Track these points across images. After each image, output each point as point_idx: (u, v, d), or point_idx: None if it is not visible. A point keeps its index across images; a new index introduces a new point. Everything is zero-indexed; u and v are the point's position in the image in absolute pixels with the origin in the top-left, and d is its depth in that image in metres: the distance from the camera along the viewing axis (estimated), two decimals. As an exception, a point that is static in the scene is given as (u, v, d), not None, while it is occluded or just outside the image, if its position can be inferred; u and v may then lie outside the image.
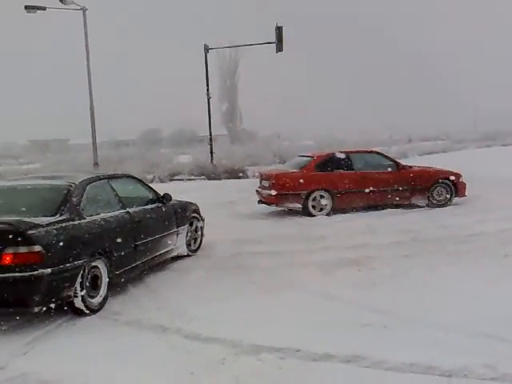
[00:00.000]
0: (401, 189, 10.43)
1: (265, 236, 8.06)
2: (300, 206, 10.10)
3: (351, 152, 11.00)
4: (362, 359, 3.57)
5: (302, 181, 10.07)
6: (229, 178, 20.41)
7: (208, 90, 22.94)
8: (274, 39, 20.89)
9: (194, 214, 7.33)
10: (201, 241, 7.38)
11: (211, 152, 22.74)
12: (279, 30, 20.82)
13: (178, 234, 6.67)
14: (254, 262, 6.48)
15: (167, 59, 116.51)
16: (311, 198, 10.05)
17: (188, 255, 6.94)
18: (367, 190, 10.27)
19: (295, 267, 6.14)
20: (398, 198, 10.46)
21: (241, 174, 21.08)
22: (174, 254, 6.66)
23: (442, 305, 4.61)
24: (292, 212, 10.59)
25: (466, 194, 10.72)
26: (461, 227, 8.15)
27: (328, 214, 10.00)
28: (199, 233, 7.37)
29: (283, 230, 8.61)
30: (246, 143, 32.45)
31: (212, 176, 20.93)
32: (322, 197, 10.10)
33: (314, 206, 10.07)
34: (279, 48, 21.05)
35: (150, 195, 6.54)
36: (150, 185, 7.08)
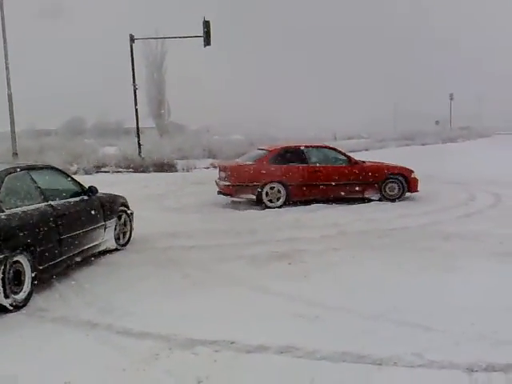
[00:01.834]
0: (353, 183, 10.67)
1: (196, 230, 7.99)
2: (254, 197, 10.31)
3: (305, 146, 11.17)
4: (296, 349, 3.63)
5: (256, 173, 10.31)
6: (158, 171, 20.05)
7: (134, 80, 22.39)
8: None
9: (123, 207, 7.12)
10: (130, 234, 7.19)
11: (139, 144, 22.23)
12: (207, 23, 20.74)
13: (105, 228, 6.46)
14: (185, 256, 6.41)
15: (93, 48, 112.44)
16: (265, 189, 10.24)
17: (117, 249, 6.74)
18: (320, 183, 10.51)
19: (227, 261, 6.13)
20: (350, 192, 10.67)
21: (170, 167, 20.76)
22: (102, 248, 6.44)
23: (370, 296, 4.77)
24: (223, 205, 10.62)
25: (419, 189, 10.98)
26: (384, 221, 8.48)
27: (281, 206, 10.19)
28: (128, 226, 7.17)
29: (214, 224, 8.57)
30: (175, 136, 31.96)
31: (140, 169, 20.47)
32: (275, 188, 10.29)
33: (268, 198, 10.25)
34: (207, 42, 20.97)
35: (75, 187, 6.27)
36: (74, 177, 6.79)
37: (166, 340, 3.84)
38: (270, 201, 10.28)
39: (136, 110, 22.69)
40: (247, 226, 8.23)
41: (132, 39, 22.17)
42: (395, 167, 11.21)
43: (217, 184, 11.02)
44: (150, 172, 19.96)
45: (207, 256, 6.37)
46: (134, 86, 22.41)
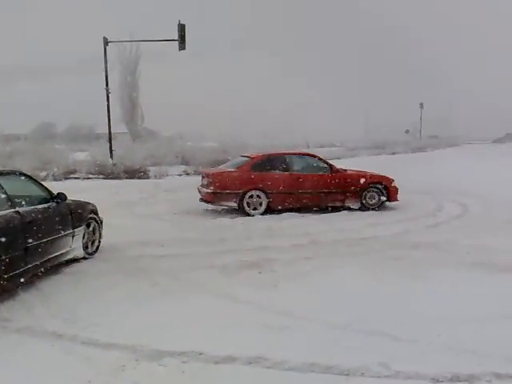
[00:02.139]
0: (334, 191, 10.76)
1: (166, 238, 7.92)
2: (235, 204, 10.32)
3: (287, 154, 11.29)
4: (264, 360, 3.62)
5: (237, 180, 10.35)
6: (129, 178, 19.85)
7: (107, 84, 22.17)
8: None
9: (92, 215, 7.01)
10: (99, 243, 7.08)
11: (110, 150, 21.98)
12: (182, 27, 20.72)
13: (73, 236, 6.34)
14: (155, 265, 6.34)
15: (65, 51, 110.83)
16: (246, 197, 10.28)
17: (85, 258, 6.63)
18: (301, 191, 10.55)
19: (197, 270, 6.09)
20: (331, 200, 10.77)
21: (142, 174, 20.58)
22: (70, 256, 6.32)
23: (340, 305, 4.80)
24: (195, 214, 10.57)
25: (399, 198, 11.11)
26: (354, 231, 8.56)
27: (262, 214, 10.22)
28: (97, 234, 7.06)
29: (186, 233, 8.50)
30: (148, 142, 31.68)
31: (111, 175, 20.22)
32: (257, 196, 10.34)
33: (249, 205, 10.29)
34: (182, 46, 20.94)
35: (43, 194, 6.15)
36: (43, 183, 6.66)
37: (132, 351, 3.78)
38: (252, 208, 10.31)
39: (108, 114, 22.47)
40: (218, 235, 8.19)
41: (106, 42, 21.99)
42: (376, 176, 11.30)
43: (199, 191, 10.98)
44: (121, 179, 19.75)
45: (177, 265, 6.32)
46: (107, 90, 22.18)
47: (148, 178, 20.28)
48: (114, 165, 21.04)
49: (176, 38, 20.90)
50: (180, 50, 21.04)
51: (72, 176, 20.25)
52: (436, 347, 3.82)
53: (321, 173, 10.92)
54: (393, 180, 11.19)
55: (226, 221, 9.69)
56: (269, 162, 10.79)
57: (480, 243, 7.42)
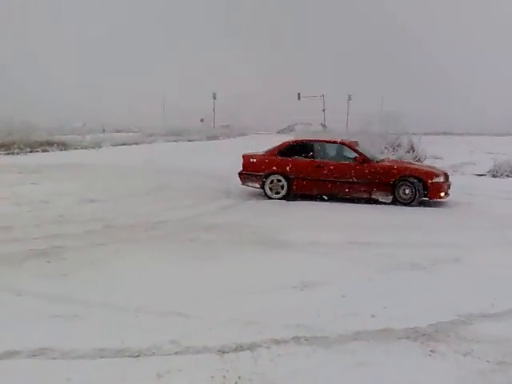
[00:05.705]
0: (358, 182, 10.31)
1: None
2: (259, 186, 10.79)
3: (316, 141, 11.31)
4: (50, 351, 3.46)
5: (261, 163, 10.84)
6: None
7: None
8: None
9: None
10: None
11: None
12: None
13: None
14: None
15: None
16: (268, 180, 10.63)
17: None
18: (322, 179, 10.53)
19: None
20: (355, 191, 10.34)
21: None
22: None
23: (134, 289, 4.81)
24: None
25: (442, 195, 10.11)
26: (151, 215, 8.56)
27: (284, 198, 10.53)
28: None
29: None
30: None
31: None
32: (277, 180, 10.63)
33: (271, 189, 10.66)
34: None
35: None
36: None
37: None
38: (274, 192, 10.64)
39: None
40: (2, 223, 7.45)
41: None
42: (410, 168, 10.51)
43: None
44: None
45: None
46: None
47: None
48: None
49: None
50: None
51: None
52: (222, 321, 4.08)
53: (345, 162, 10.53)
54: (434, 175, 10.25)
55: (12, 208, 8.86)
56: (296, 148, 11.00)
57: (261, 223, 8.06)
